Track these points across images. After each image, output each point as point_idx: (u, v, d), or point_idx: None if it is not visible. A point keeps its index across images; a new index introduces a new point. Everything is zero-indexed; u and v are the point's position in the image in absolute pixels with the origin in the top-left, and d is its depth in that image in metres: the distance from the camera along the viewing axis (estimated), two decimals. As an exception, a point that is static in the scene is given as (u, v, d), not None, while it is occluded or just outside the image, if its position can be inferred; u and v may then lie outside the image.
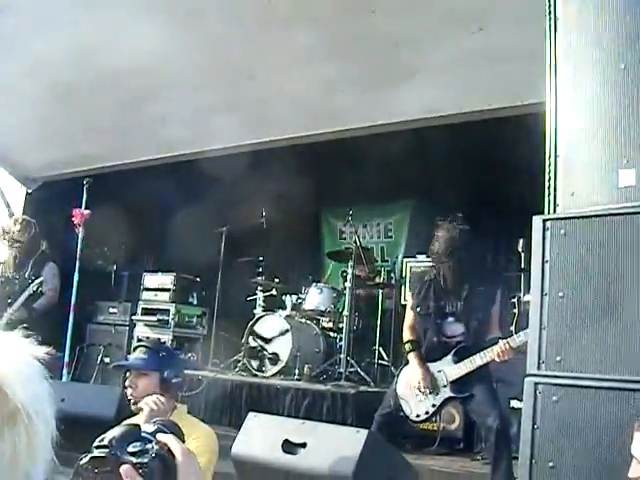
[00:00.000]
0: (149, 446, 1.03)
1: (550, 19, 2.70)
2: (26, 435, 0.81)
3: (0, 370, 0.81)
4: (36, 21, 5.25)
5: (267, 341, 6.68)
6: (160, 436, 1.06)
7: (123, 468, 0.98)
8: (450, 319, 4.47)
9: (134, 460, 1.00)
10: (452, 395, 4.34)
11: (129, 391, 3.32)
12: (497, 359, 4.08)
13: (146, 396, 3.22)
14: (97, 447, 1.02)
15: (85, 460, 1.02)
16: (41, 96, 6.38)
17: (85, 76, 6.03)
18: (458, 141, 6.73)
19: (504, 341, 4.03)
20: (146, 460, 1.01)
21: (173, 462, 1.03)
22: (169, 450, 1.04)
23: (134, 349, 3.60)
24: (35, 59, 5.76)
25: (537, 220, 2.58)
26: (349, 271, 6.79)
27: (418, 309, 4.55)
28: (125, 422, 1.15)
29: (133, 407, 3.30)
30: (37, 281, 5.83)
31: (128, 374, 3.39)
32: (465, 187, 7.26)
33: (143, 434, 1.06)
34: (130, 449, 1.02)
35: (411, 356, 4.46)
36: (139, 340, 7.54)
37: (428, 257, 5.31)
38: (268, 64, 5.56)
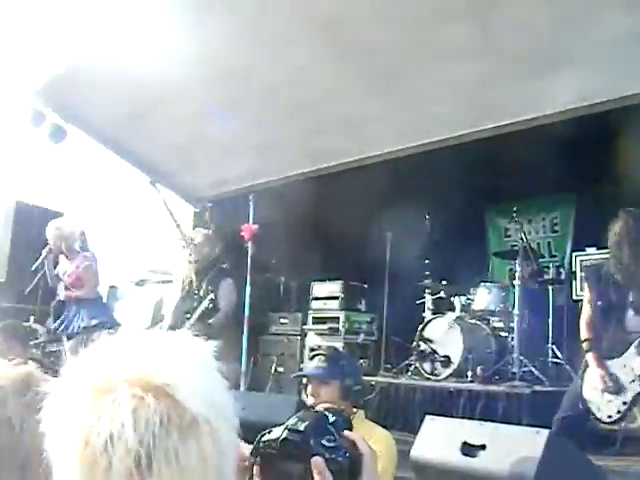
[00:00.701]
0: (341, 442, 1.05)
1: None
2: (211, 437, 0.83)
3: (176, 381, 0.82)
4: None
5: (438, 344, 6.65)
6: (348, 433, 1.09)
7: (315, 459, 1.00)
8: (631, 312, 4.29)
9: (327, 455, 1.02)
10: (643, 388, 4.15)
11: (310, 399, 3.40)
12: None
13: (327, 404, 3.31)
14: (290, 430, 1.04)
15: (271, 438, 1.05)
16: (204, 115, 6.71)
17: (245, 93, 6.29)
18: (622, 127, 6.42)
19: None
20: (340, 458, 1.03)
21: (360, 462, 1.06)
22: (357, 449, 1.07)
23: (312, 357, 3.69)
24: (203, 82, 6.08)
25: None
26: (517, 269, 6.65)
27: (598, 303, 4.40)
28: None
29: None
30: (207, 298, 6.13)
31: (307, 382, 3.49)
32: (632, 177, 6.91)
33: (330, 427, 1.08)
34: (324, 442, 1.04)
35: (589, 356, 4.31)
36: (312, 349, 7.73)
37: (599, 249, 5.13)
38: (419, 64, 5.55)
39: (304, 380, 3.57)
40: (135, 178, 8.66)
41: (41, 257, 7.13)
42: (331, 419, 1.10)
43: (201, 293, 6.36)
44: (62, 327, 6.98)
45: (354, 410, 3.45)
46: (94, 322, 6.80)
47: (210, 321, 6.15)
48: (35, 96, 6.83)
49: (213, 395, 0.86)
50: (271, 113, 6.60)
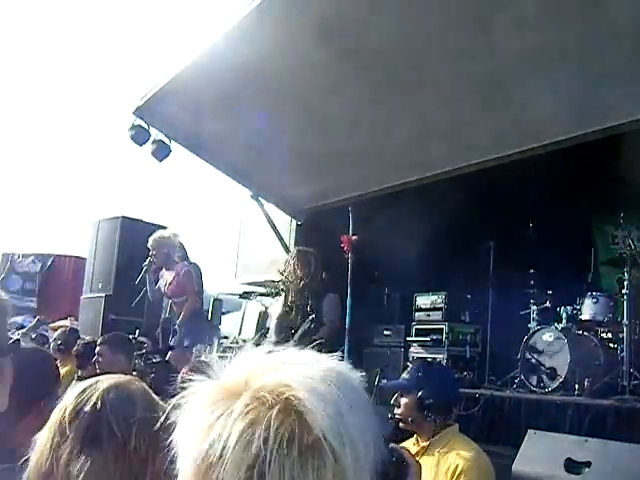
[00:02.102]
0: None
1: None
2: (332, 466, 0.76)
3: (302, 395, 0.78)
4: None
5: (544, 356, 6.50)
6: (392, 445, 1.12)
7: None
8: None
9: None
10: None
11: (395, 410, 3.46)
12: None
13: (406, 415, 3.34)
14: None
15: None
16: (303, 129, 6.83)
17: (337, 107, 6.36)
18: None
19: None
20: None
21: (405, 472, 1.10)
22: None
23: (405, 369, 3.75)
24: (300, 96, 6.19)
25: None
26: (625, 277, 6.42)
27: None
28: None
29: (402, 425, 3.42)
30: (309, 319, 6.22)
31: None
32: None
33: None
34: None
35: None
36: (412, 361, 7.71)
37: None
38: (523, 68, 5.48)
39: None
40: (238, 191, 8.88)
41: (143, 270, 7.39)
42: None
43: (307, 309, 6.45)
44: (166, 340, 7.22)
45: (449, 424, 3.43)
46: (196, 338, 6.98)
47: (315, 337, 6.23)
48: (137, 113, 7.11)
49: (346, 425, 0.79)
50: (362, 127, 6.64)
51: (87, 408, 1.36)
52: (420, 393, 3.40)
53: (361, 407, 0.84)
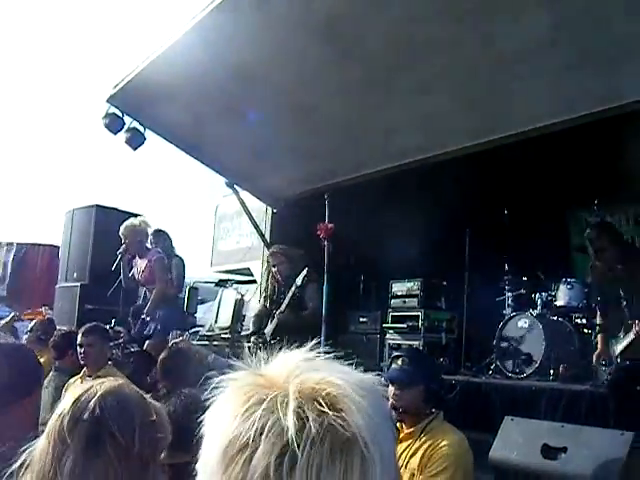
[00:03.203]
0: None
1: None
2: (360, 467, 0.77)
3: (344, 393, 0.80)
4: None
5: (519, 342, 6.54)
6: None
7: None
8: None
9: None
10: None
11: (390, 402, 3.37)
12: None
13: (412, 406, 3.30)
14: None
15: None
16: (281, 119, 6.80)
17: (317, 95, 6.34)
18: None
19: None
20: None
21: None
22: None
23: (394, 359, 3.65)
24: (278, 85, 6.16)
25: None
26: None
27: None
28: None
29: (397, 416, 3.38)
30: (293, 290, 6.26)
31: (389, 385, 3.45)
32: None
33: None
34: None
35: None
36: (391, 348, 7.75)
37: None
38: (497, 56, 5.48)
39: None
40: (214, 179, 8.82)
41: (118, 259, 7.44)
42: None
43: (288, 296, 6.46)
44: (140, 328, 7.21)
45: (433, 411, 3.44)
46: (168, 324, 7.01)
47: (303, 313, 6.35)
48: (112, 101, 7.03)
49: (378, 430, 0.81)
50: (345, 114, 6.62)
51: (86, 416, 1.37)
52: (428, 385, 3.37)
53: (388, 417, 0.88)
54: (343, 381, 0.82)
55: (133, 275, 7.56)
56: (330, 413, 0.78)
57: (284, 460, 0.75)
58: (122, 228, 7.46)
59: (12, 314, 8.64)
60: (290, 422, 0.76)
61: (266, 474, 0.75)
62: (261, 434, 0.77)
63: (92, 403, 1.39)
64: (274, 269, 6.79)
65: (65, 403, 1.42)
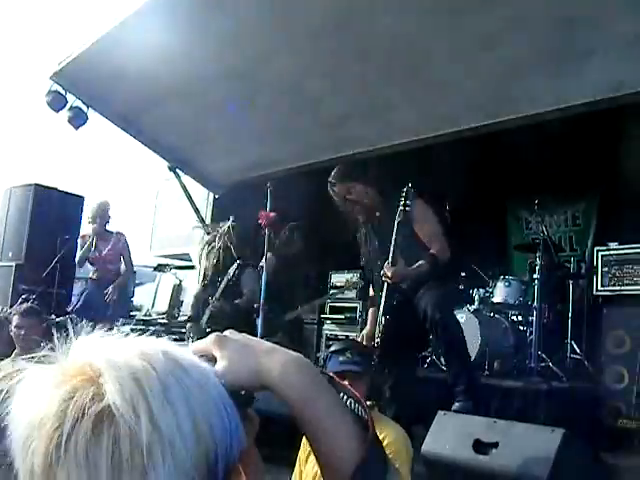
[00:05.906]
0: None
1: None
2: (129, 437, 0.73)
3: (99, 366, 0.77)
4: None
5: (456, 336, 6.58)
6: None
7: None
8: None
9: None
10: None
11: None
12: None
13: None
14: None
15: None
16: (224, 103, 6.70)
17: (265, 81, 6.27)
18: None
19: None
20: None
21: None
22: None
23: (337, 351, 3.50)
24: (227, 68, 6.07)
25: None
26: (537, 262, 6.55)
27: None
28: None
29: None
30: (229, 276, 6.23)
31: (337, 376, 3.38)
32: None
33: None
34: None
35: None
36: (328, 338, 7.76)
37: (621, 244, 5.09)
38: (446, 52, 5.49)
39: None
40: (155, 163, 8.72)
41: (89, 239, 7.77)
42: None
43: (223, 283, 6.39)
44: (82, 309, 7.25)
45: (368, 403, 3.41)
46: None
47: (237, 301, 6.28)
48: (55, 79, 6.84)
49: (147, 397, 0.75)
50: (291, 102, 6.57)
51: None
52: (377, 376, 3.32)
53: (186, 385, 0.79)
54: (110, 355, 0.78)
55: (88, 257, 7.76)
56: (89, 389, 0.75)
57: (62, 441, 0.73)
58: (94, 208, 7.72)
59: None
60: (52, 412, 0.75)
61: (46, 463, 0.74)
62: (43, 419, 0.75)
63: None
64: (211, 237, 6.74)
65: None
